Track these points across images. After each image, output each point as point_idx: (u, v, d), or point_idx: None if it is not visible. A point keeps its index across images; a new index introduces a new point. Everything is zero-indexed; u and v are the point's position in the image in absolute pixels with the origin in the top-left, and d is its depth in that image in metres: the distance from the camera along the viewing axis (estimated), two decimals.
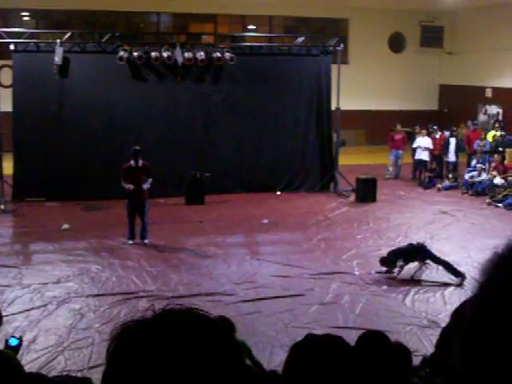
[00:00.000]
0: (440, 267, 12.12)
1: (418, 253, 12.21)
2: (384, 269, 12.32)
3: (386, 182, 21.11)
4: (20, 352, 8.73)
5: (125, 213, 14.26)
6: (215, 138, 19.40)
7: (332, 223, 16.41)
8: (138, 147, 14.03)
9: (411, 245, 12.38)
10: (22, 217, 16.86)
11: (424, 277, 12.15)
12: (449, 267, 11.99)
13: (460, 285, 11.69)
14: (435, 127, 22.66)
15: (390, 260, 12.20)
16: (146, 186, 13.91)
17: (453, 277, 11.87)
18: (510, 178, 19.15)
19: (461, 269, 12.26)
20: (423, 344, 9.10)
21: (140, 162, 13.95)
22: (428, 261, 12.21)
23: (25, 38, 18.49)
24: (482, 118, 27.63)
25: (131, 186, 13.76)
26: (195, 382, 1.19)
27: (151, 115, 18.79)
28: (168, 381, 1.18)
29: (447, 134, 22.57)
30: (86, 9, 25.65)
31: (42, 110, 18.14)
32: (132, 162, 13.94)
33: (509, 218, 17.08)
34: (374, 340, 3.13)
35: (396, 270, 12.19)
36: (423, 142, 21.82)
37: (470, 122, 24.86)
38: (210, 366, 1.21)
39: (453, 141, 21.65)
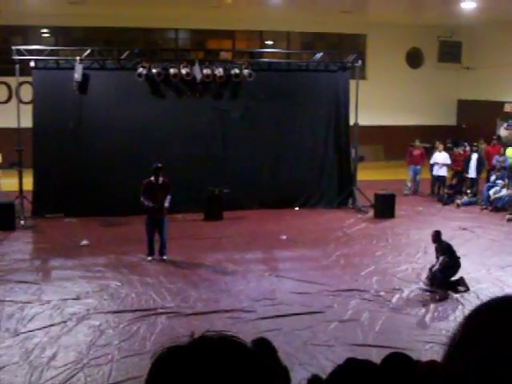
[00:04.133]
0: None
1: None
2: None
3: (404, 198, 21.05)
4: (40, 369, 8.81)
5: (143, 228, 14.30)
6: (233, 154, 19.43)
7: (350, 239, 16.36)
8: (159, 164, 14.06)
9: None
10: (42, 233, 16.94)
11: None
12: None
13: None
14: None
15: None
16: (166, 204, 13.94)
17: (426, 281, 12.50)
18: None
19: (480, 285, 12.30)
20: None
21: (160, 179, 13.98)
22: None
23: (44, 55, 18.65)
24: (502, 133, 27.47)
25: (150, 203, 13.78)
26: None
27: (170, 131, 18.87)
28: None
29: (468, 149, 22.45)
30: (104, 26, 25.86)
31: (62, 127, 18.26)
32: (152, 178, 13.97)
33: None
34: (399, 364, 3.10)
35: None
36: (440, 157, 21.76)
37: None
38: None
39: (474, 156, 21.49)
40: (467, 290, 12.24)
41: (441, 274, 12.34)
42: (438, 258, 12.63)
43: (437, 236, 12.77)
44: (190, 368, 1.22)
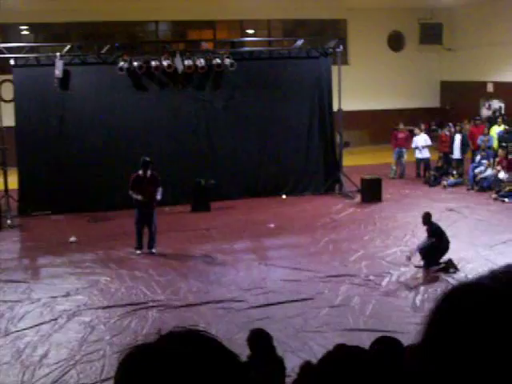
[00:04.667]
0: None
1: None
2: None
3: (390, 182, 21.08)
4: (32, 367, 8.79)
5: (130, 223, 14.28)
6: (218, 145, 19.39)
7: (339, 225, 16.39)
8: (147, 158, 14.05)
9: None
10: (29, 231, 16.86)
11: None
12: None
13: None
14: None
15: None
16: (158, 196, 13.94)
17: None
18: None
19: (469, 265, 12.39)
20: None
21: (148, 173, 13.96)
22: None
23: (24, 53, 18.52)
24: (485, 113, 27.57)
25: (140, 197, 13.75)
26: None
27: (154, 124, 18.79)
28: None
29: (453, 130, 22.49)
30: (84, 20, 25.69)
31: (45, 124, 18.18)
32: (141, 172, 13.95)
33: None
34: (387, 347, 3.11)
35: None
36: (420, 140, 21.83)
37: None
38: None
39: (458, 137, 21.56)
40: (456, 270, 12.31)
41: (423, 250, 12.47)
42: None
43: (427, 218, 12.83)
44: (157, 366, 1.21)
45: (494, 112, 27.08)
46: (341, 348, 2.51)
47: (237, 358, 1.29)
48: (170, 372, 1.19)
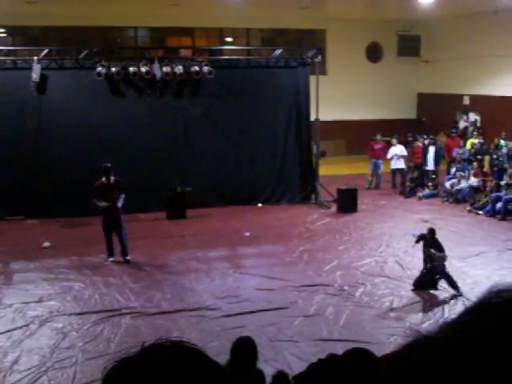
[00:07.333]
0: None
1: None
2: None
3: (366, 192, 21.16)
4: (2, 373, 8.70)
5: None
6: (195, 152, 19.36)
7: (314, 234, 16.41)
8: (108, 164, 13.95)
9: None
10: (2, 235, 16.65)
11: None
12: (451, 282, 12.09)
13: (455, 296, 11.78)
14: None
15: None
16: (120, 203, 13.84)
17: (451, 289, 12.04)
18: (488, 183, 19.26)
19: None
20: None
21: (112, 179, 13.88)
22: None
23: (1, 55, 18.38)
24: (462, 125, 27.80)
25: (104, 203, 13.68)
26: None
27: (130, 131, 18.72)
28: None
29: (426, 142, 22.67)
30: (62, 25, 25.54)
31: (20, 128, 18.01)
32: (104, 179, 13.87)
33: (489, 225, 17.17)
34: (359, 359, 3.09)
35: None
36: (397, 150, 21.97)
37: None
38: None
39: (431, 149, 21.74)
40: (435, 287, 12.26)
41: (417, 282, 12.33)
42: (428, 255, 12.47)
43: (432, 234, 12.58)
44: (142, 380, 1.20)
45: (471, 124, 27.34)
46: (333, 357, 2.50)
47: (222, 370, 1.29)
48: None
